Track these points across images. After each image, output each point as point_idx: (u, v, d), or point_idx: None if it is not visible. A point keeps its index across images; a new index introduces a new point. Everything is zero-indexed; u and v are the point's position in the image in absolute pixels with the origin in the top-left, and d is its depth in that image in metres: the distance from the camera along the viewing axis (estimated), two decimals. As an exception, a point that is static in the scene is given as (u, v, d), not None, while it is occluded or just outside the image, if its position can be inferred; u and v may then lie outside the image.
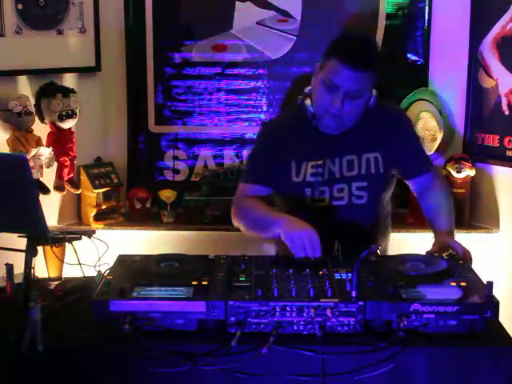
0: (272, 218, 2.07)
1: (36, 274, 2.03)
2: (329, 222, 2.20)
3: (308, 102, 2.18)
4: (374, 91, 2.15)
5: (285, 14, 3.24)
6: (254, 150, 2.35)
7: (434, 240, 2.12)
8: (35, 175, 2.80)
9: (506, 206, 3.14)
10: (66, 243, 2.12)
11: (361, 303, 1.67)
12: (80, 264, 2.08)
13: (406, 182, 2.32)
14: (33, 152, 2.80)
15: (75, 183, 3.13)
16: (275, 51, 3.27)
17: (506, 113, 3.04)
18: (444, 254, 1.97)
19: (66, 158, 3.04)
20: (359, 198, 2.21)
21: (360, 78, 2.06)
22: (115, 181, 3.24)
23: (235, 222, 2.23)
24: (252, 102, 3.32)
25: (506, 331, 1.75)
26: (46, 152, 2.86)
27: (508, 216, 3.13)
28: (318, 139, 2.20)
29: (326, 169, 2.20)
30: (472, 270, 1.89)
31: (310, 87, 2.21)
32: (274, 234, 2.02)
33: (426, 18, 3.20)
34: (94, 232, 2.15)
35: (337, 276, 1.82)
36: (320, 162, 2.20)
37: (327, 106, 2.11)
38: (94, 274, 1.98)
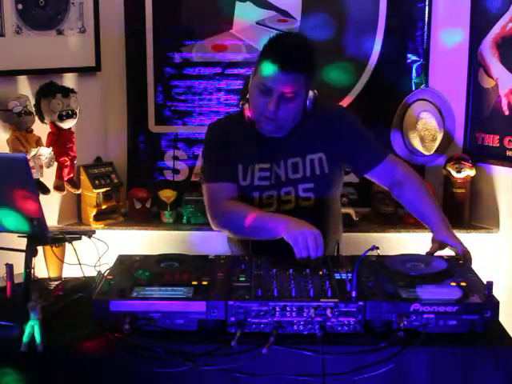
0: (272, 219, 2.06)
1: (36, 274, 2.03)
2: None
3: (246, 106, 2.17)
4: (311, 92, 2.14)
5: (285, 14, 3.23)
6: (206, 151, 2.30)
7: (432, 237, 2.09)
8: (35, 175, 2.80)
9: (506, 206, 3.13)
10: (66, 243, 2.12)
11: (361, 303, 1.67)
12: (80, 264, 2.07)
13: (370, 179, 2.27)
14: (33, 152, 2.79)
15: (75, 183, 3.13)
16: (275, 51, 3.27)
17: (506, 113, 3.03)
18: (444, 252, 1.97)
19: (66, 158, 3.03)
20: (306, 199, 2.21)
21: (293, 79, 2.05)
22: (115, 181, 3.23)
23: (217, 226, 2.17)
24: (252, 102, 3.32)
25: (506, 331, 1.75)
26: (46, 152, 2.85)
27: (508, 216, 3.13)
28: (261, 143, 2.20)
29: (272, 172, 2.21)
30: (472, 270, 1.89)
31: None
32: (273, 236, 2.02)
33: (426, 17, 3.20)
34: (93, 232, 2.15)
35: (337, 276, 1.82)
36: (267, 166, 2.21)
37: (262, 110, 2.10)
38: (94, 274, 1.99)
